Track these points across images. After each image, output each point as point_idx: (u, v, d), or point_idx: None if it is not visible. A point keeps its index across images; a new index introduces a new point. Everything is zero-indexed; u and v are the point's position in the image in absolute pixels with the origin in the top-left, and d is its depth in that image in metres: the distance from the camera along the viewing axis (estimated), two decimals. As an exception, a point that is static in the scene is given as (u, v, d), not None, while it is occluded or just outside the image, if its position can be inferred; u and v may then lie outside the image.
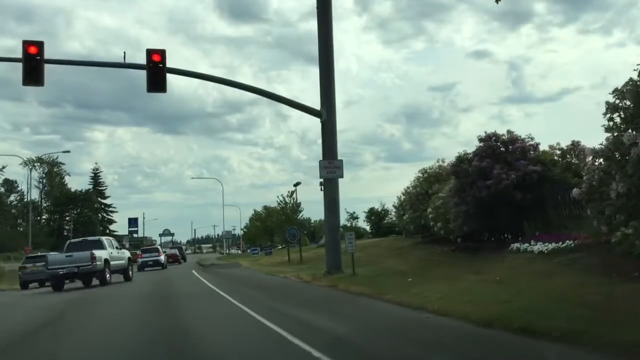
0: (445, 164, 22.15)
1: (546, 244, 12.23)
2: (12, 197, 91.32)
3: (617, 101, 9.67)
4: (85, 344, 8.14)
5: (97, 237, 26.06)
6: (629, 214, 9.40)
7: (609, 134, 9.91)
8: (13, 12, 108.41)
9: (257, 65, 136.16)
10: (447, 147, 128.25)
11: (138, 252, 40.10)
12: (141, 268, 35.54)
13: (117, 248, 23.92)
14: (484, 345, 6.40)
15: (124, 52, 18.07)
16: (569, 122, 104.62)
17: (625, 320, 6.31)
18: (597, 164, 10.54)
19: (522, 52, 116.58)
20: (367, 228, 47.28)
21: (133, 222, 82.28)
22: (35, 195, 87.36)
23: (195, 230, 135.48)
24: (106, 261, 21.23)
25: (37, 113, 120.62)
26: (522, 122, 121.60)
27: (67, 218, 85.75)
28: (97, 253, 20.73)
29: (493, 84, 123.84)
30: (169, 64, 17.93)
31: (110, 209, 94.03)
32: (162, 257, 39.36)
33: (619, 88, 9.61)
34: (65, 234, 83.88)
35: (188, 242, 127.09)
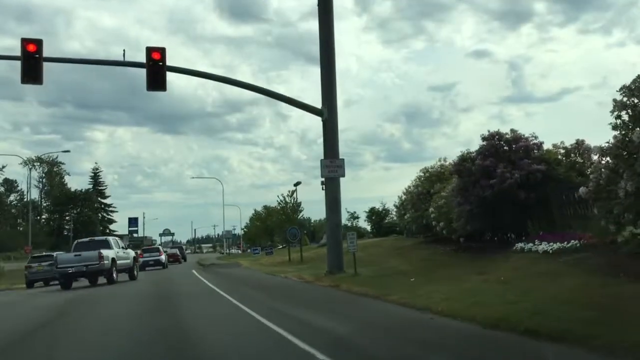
0: (447, 163, 22.05)
1: (551, 243, 12.05)
2: (12, 197, 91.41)
3: (625, 99, 9.51)
4: (84, 343, 8.09)
5: (104, 237, 26.69)
6: (638, 213, 9.24)
7: (616, 132, 9.74)
8: (13, 12, 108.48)
9: (257, 65, 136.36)
10: (447, 147, 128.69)
11: (139, 251, 40.07)
12: (142, 267, 35.41)
13: (122, 248, 24.35)
14: (491, 347, 6.28)
15: (124, 50, 17.92)
16: (569, 122, 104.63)
17: (636, 322, 6.16)
18: (603, 162, 10.37)
19: (522, 52, 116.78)
20: (368, 228, 47.15)
21: (133, 221, 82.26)
22: (35, 195, 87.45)
23: (195, 230, 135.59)
24: (113, 260, 21.67)
25: (37, 113, 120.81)
26: (522, 121, 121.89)
27: (67, 218, 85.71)
28: (105, 252, 21.15)
29: (493, 83, 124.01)
30: (169, 63, 17.85)
31: (110, 208, 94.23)
32: (163, 257, 39.82)
33: (627, 85, 9.45)
34: (65, 233, 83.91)
35: (188, 241, 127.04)
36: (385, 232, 38.01)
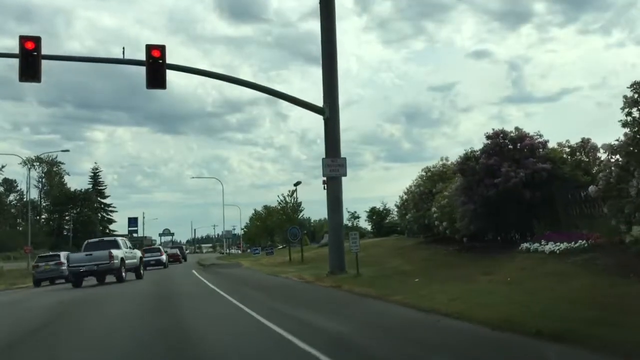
0: (449, 162, 21.87)
1: (558, 243, 11.85)
2: (11, 197, 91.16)
3: (636, 95, 9.29)
4: (85, 343, 8.06)
5: (113, 238, 28.28)
6: (650, 212, 9.05)
7: (626, 129, 9.53)
8: (13, 12, 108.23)
9: (257, 65, 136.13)
10: (447, 147, 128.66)
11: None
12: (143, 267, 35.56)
13: (129, 248, 25.03)
14: (501, 350, 6.12)
15: (123, 48, 17.71)
16: (569, 122, 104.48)
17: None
18: (613, 160, 10.15)
19: (522, 52, 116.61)
20: (369, 228, 46.97)
21: (133, 221, 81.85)
22: (34, 194, 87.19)
23: (195, 230, 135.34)
24: (122, 260, 22.42)
25: (37, 113, 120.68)
26: (522, 122, 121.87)
27: (66, 217, 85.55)
28: (115, 252, 21.92)
29: (493, 83, 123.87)
30: (169, 63, 17.61)
31: (110, 208, 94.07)
32: (164, 257, 40.26)
33: (638, 81, 9.24)
34: (65, 233, 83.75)
35: (188, 241, 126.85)
36: (386, 232, 37.83)
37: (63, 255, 28.67)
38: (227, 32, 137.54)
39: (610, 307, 7.10)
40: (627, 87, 9.28)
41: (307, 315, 9.17)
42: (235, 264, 36.74)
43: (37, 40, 16.98)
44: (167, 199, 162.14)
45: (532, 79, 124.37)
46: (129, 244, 25.87)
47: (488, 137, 15.80)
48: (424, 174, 23.61)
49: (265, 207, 58.84)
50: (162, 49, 17.53)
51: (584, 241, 11.28)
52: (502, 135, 15.69)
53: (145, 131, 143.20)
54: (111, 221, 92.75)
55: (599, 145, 12.69)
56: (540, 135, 15.68)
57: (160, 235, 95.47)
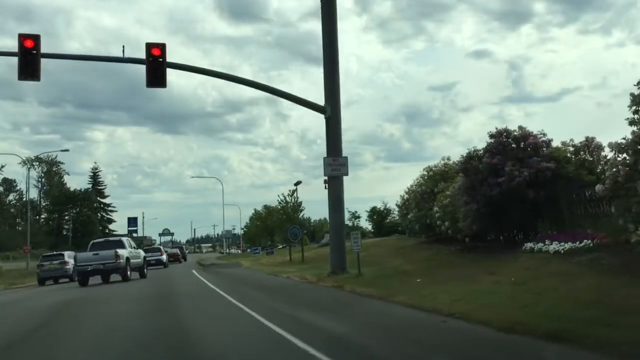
0: (451, 162, 21.76)
1: (562, 243, 11.72)
2: (10, 197, 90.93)
3: (644, 93, 9.16)
4: (85, 343, 8.04)
5: (118, 238, 28.94)
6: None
7: (634, 127, 9.38)
8: (13, 12, 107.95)
9: (257, 65, 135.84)
10: (447, 147, 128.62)
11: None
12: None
13: (134, 248, 25.77)
14: (509, 352, 5.99)
15: (123, 46, 17.56)
16: (569, 122, 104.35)
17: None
18: (620, 158, 10.00)
19: (522, 52, 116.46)
20: (369, 227, 46.89)
21: (132, 221, 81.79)
22: (34, 194, 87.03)
23: (195, 229, 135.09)
24: (127, 259, 23.12)
25: (37, 113, 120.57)
26: (522, 122, 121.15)
27: (66, 217, 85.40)
28: (120, 252, 22.64)
29: (493, 83, 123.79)
30: (169, 61, 17.47)
31: (110, 208, 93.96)
32: (164, 257, 40.75)
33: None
34: (65, 233, 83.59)
35: (188, 241, 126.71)
36: (386, 232, 37.74)
37: (67, 254, 30.03)
38: (227, 32, 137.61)
39: (620, 308, 6.96)
40: (634, 85, 9.15)
41: (309, 316, 9.07)
42: (235, 263, 36.65)
43: (36, 38, 16.88)
44: (167, 199, 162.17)
45: (532, 78, 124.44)
46: (133, 244, 26.57)
47: (491, 135, 15.66)
48: (425, 173, 23.48)
49: (266, 207, 58.76)
50: (162, 47, 17.42)
51: (589, 241, 11.15)
52: (505, 134, 15.54)
53: (145, 131, 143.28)
54: (111, 221, 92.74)
55: (604, 144, 12.55)
56: (544, 134, 15.53)
57: (160, 235, 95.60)
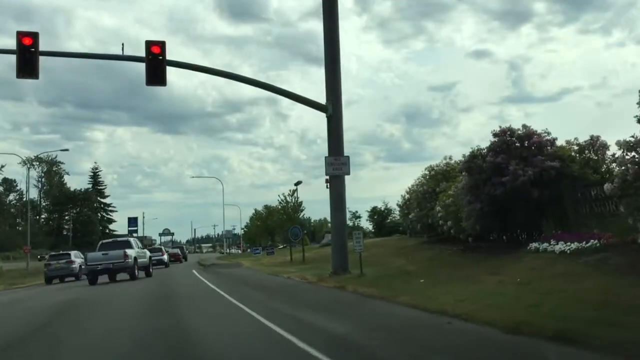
0: (453, 161, 21.63)
1: (568, 243, 11.54)
2: (11, 197, 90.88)
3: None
4: (85, 342, 8.01)
5: (126, 238, 30.30)
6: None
7: (643, 125, 9.22)
8: (12, 12, 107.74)
9: (257, 65, 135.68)
10: (447, 147, 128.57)
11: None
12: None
13: (140, 247, 26.84)
14: (515, 353, 5.87)
15: (122, 44, 17.38)
16: (570, 121, 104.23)
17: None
18: (628, 157, 9.82)
19: (522, 52, 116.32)
20: (370, 227, 46.78)
21: (132, 221, 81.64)
22: (34, 194, 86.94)
23: (195, 229, 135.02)
24: (135, 259, 24.03)
25: (37, 112, 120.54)
26: (523, 122, 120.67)
27: (66, 217, 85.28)
28: (128, 251, 23.55)
29: (493, 83, 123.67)
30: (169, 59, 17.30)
31: (110, 208, 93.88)
32: (165, 257, 41.38)
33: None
34: (65, 233, 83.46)
35: (188, 241, 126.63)
36: (387, 232, 37.62)
37: (73, 254, 31.67)
38: (227, 32, 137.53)
39: (627, 309, 6.81)
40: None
41: (310, 316, 8.97)
42: (235, 263, 36.52)
43: (34, 35, 16.73)
44: (167, 199, 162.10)
45: (532, 78, 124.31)
46: (139, 244, 27.64)
47: (495, 134, 15.49)
48: (427, 172, 23.34)
49: (266, 207, 58.66)
50: (162, 45, 17.25)
51: (596, 241, 10.99)
52: (509, 132, 15.37)
53: (145, 131, 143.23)
54: (111, 221, 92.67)
55: (610, 142, 12.35)
56: (548, 133, 15.34)
57: (160, 235, 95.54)
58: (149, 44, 17.18)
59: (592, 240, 11.08)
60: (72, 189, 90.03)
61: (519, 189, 14.12)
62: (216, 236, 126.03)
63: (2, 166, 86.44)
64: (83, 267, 28.03)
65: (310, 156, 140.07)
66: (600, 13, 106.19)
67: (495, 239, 16.76)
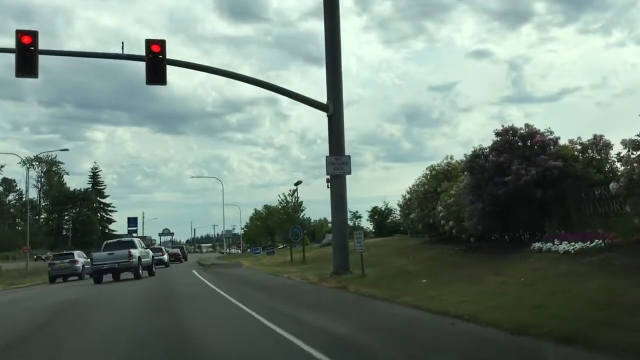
0: (454, 161, 21.54)
1: (572, 243, 11.44)
2: (10, 197, 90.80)
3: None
4: (85, 342, 7.99)
5: (130, 238, 31.23)
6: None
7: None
8: (12, 12, 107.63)
9: (257, 65, 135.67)
10: (447, 147, 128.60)
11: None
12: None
13: (143, 247, 27.54)
14: (519, 355, 5.79)
15: (122, 43, 17.25)
16: (570, 121, 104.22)
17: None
18: (634, 156, 9.71)
19: (522, 52, 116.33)
20: (371, 227, 46.73)
21: (132, 221, 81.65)
22: (34, 194, 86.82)
23: (195, 229, 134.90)
24: (139, 258, 24.68)
25: (37, 112, 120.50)
26: (522, 122, 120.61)
27: (65, 217, 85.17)
28: (133, 251, 24.24)
29: (493, 83, 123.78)
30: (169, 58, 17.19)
31: (110, 208, 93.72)
32: (166, 257, 41.50)
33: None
34: (64, 233, 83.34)
35: (188, 241, 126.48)
36: (388, 232, 37.56)
37: (77, 254, 32.02)
38: (227, 32, 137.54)
39: (633, 309, 6.73)
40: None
41: (311, 316, 8.91)
42: (235, 263, 36.45)
43: (34, 34, 16.62)
44: (167, 199, 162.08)
45: (532, 78, 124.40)
46: (143, 244, 28.35)
47: (497, 133, 15.38)
48: (428, 172, 23.23)
49: (266, 207, 58.57)
50: (162, 43, 17.15)
51: (600, 241, 10.89)
52: (511, 132, 15.26)
53: (145, 131, 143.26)
54: (111, 221, 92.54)
55: (613, 141, 12.24)
56: (551, 132, 15.23)
57: (160, 235, 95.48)
58: (149, 42, 17.08)
59: (596, 240, 10.98)
60: (71, 189, 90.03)
61: (522, 188, 14.02)
62: (216, 236, 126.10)
63: (2, 166, 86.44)
64: (86, 266, 29.47)
65: (310, 156, 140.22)
66: (600, 13, 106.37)
67: (497, 239, 16.66)
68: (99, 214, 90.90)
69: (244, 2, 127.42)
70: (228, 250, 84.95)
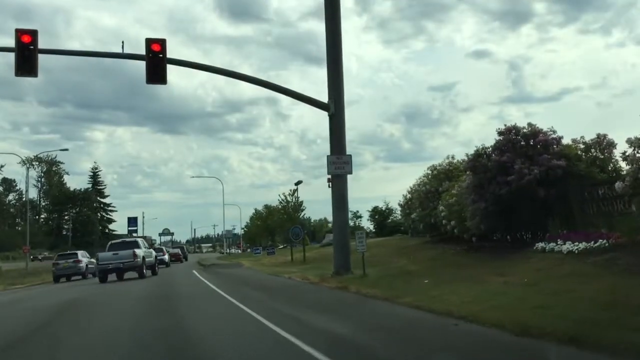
0: (456, 160, 21.45)
1: (576, 243, 11.34)
2: (10, 197, 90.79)
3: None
4: (85, 342, 7.97)
5: (134, 239, 31.75)
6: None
7: (654, 121, 9.01)
8: (12, 11, 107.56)
9: (257, 65, 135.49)
10: (447, 147, 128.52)
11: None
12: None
13: (147, 247, 28.04)
14: (523, 356, 5.73)
15: (122, 42, 17.17)
16: (570, 121, 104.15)
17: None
18: (639, 155, 9.61)
19: (522, 52, 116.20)
20: (371, 227, 46.66)
21: (132, 221, 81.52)
22: (34, 194, 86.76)
23: (195, 229, 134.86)
24: (143, 258, 25.21)
25: (37, 112, 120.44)
26: (523, 122, 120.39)
27: (65, 217, 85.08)
28: (137, 251, 24.75)
29: (493, 83, 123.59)
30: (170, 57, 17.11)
31: (110, 208, 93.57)
32: (166, 257, 41.76)
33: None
34: (64, 233, 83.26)
35: (188, 241, 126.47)
36: (389, 232, 37.47)
37: (80, 253, 32.78)
38: (227, 32, 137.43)
39: (638, 309, 6.64)
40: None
41: (312, 317, 8.84)
42: (235, 263, 36.37)
43: (33, 33, 16.54)
44: (167, 199, 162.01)
45: (532, 78, 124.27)
46: (146, 244, 29.07)
47: (500, 133, 15.29)
48: (429, 172, 23.14)
49: (266, 207, 58.50)
50: (162, 42, 17.07)
51: (605, 240, 10.80)
52: (514, 131, 15.17)
53: (145, 131, 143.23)
54: (111, 221, 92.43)
55: (617, 140, 12.14)
56: (554, 131, 15.13)
57: (160, 235, 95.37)
58: (149, 41, 17.01)
59: (600, 240, 10.89)
60: (71, 189, 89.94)
61: (525, 188, 13.93)
62: (216, 236, 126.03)
63: (2, 166, 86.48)
64: (90, 266, 30.70)
65: (311, 156, 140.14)
66: (600, 13, 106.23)
67: (499, 239, 16.57)
68: (99, 214, 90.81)
69: (244, 2, 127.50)
70: (228, 251, 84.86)
